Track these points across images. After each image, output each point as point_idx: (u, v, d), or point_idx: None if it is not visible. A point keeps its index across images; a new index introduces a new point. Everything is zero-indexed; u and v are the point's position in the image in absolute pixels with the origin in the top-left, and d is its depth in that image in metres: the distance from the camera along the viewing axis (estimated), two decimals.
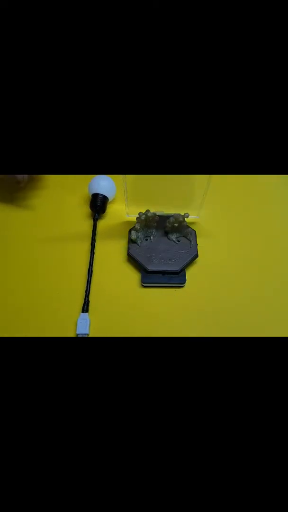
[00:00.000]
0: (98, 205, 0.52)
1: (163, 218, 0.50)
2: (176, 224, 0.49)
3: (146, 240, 0.50)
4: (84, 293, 0.47)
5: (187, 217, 0.49)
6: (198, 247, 0.50)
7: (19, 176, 0.54)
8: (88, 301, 0.46)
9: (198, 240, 0.50)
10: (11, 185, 0.55)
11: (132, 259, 0.49)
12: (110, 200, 0.54)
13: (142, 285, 0.48)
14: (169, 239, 0.50)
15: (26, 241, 0.52)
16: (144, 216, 0.48)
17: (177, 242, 0.50)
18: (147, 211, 0.48)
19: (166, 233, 0.51)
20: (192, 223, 0.53)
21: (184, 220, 0.49)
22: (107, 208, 0.54)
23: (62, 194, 0.57)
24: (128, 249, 0.49)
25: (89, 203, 0.54)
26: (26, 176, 0.55)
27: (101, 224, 0.54)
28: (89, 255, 0.50)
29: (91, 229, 0.53)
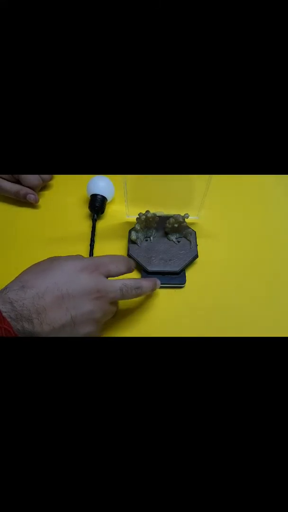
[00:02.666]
0: (96, 205, 0.52)
1: (163, 219, 0.50)
2: (176, 225, 0.49)
3: (146, 240, 0.50)
4: None
5: (187, 217, 0.49)
6: (198, 248, 0.50)
7: (45, 177, 0.55)
8: None
9: (198, 241, 0.50)
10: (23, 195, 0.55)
11: (132, 260, 0.49)
12: (109, 200, 0.54)
13: None
14: (169, 239, 0.50)
15: (26, 241, 0.52)
16: (144, 216, 0.48)
17: (177, 242, 0.50)
18: (147, 211, 0.48)
19: (166, 234, 0.51)
20: (192, 223, 0.53)
21: (184, 221, 0.49)
22: (106, 209, 0.54)
23: (61, 195, 0.57)
24: (128, 249, 0.49)
25: (88, 204, 0.54)
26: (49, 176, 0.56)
27: (101, 224, 0.54)
28: (88, 256, 0.50)
29: (90, 230, 0.53)
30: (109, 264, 0.38)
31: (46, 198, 0.57)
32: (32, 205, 0.55)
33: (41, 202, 0.56)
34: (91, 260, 0.38)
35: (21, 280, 0.34)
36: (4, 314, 0.31)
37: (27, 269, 0.37)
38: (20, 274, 0.36)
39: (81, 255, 0.40)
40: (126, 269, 0.40)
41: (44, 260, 0.38)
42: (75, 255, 0.40)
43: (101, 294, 0.35)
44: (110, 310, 0.38)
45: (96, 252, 0.50)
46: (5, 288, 0.34)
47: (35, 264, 0.37)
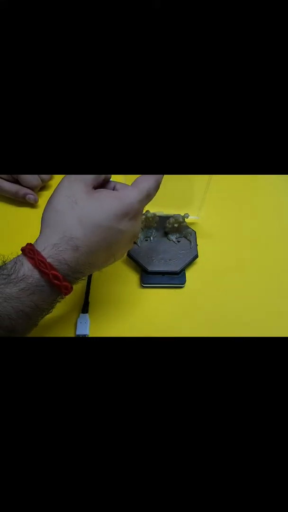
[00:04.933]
0: None
1: (163, 219, 0.50)
2: (176, 225, 0.49)
3: (146, 240, 0.50)
4: (84, 294, 0.47)
5: (187, 217, 0.49)
6: (198, 248, 0.50)
7: (44, 177, 0.55)
8: (88, 302, 0.46)
9: (198, 241, 0.50)
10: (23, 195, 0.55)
11: (132, 260, 0.49)
12: None
13: (142, 286, 0.48)
14: (169, 239, 0.50)
15: (25, 241, 0.52)
16: (144, 216, 0.48)
17: (177, 242, 0.50)
18: (147, 211, 0.48)
19: (166, 234, 0.51)
20: (192, 223, 0.53)
21: (184, 221, 0.49)
22: None
23: None
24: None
25: None
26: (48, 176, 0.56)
27: None
28: None
29: None
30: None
31: (46, 198, 0.56)
32: (32, 205, 0.55)
33: (41, 202, 0.56)
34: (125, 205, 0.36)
35: (70, 237, 0.35)
36: (61, 272, 0.34)
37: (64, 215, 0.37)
38: (58, 221, 0.37)
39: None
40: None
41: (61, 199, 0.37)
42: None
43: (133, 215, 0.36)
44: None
45: None
46: (54, 245, 0.35)
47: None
